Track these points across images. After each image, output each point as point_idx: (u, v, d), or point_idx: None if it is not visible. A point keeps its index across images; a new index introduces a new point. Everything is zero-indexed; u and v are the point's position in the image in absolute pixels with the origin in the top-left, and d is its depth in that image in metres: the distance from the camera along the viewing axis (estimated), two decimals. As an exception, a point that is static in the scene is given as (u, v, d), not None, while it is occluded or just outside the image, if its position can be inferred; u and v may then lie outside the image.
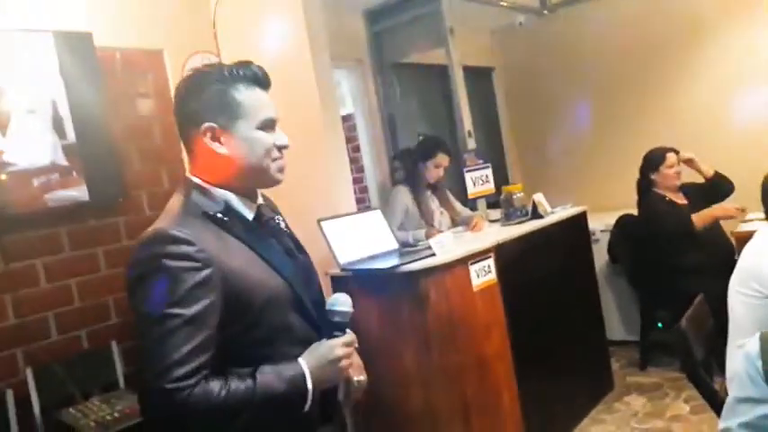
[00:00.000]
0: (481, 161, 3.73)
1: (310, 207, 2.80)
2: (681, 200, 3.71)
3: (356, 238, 2.76)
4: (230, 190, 1.30)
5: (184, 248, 1.16)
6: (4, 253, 2.50)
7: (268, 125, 1.30)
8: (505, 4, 4.70)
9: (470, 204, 3.84)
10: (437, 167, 3.53)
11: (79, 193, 2.65)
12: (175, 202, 1.29)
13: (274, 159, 1.30)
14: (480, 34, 5.17)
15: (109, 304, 2.79)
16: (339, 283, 2.73)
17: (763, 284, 1.92)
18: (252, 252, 1.26)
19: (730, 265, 2.11)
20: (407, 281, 2.56)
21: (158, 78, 3.08)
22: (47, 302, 2.61)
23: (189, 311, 1.13)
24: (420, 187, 3.54)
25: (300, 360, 1.24)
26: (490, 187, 3.69)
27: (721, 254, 3.42)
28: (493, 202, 3.84)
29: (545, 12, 5.00)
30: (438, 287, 2.56)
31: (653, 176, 3.73)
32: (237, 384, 1.16)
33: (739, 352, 1.24)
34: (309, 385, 1.22)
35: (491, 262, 2.79)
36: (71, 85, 2.64)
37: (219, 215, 1.26)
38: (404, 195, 3.50)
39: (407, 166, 3.68)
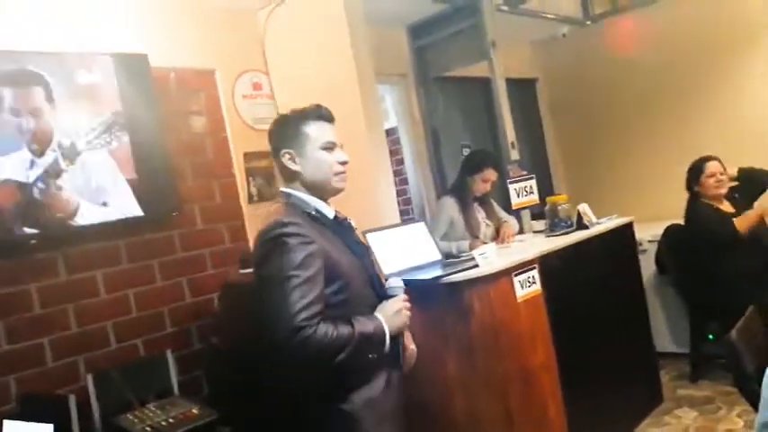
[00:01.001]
0: (525, 172, 3.74)
1: (356, 219, 2.86)
2: (728, 208, 3.63)
3: (400, 249, 2.81)
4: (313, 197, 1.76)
5: (296, 229, 1.60)
6: (67, 264, 2.65)
7: (328, 147, 1.76)
8: (550, 15, 4.71)
9: (518, 216, 3.84)
10: (485, 182, 3.54)
11: (136, 207, 2.78)
12: (278, 206, 1.74)
13: (336, 173, 1.76)
14: (522, 46, 5.19)
15: (164, 314, 2.91)
16: (384, 294, 2.78)
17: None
18: (337, 239, 1.72)
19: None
20: (451, 291, 2.58)
21: (210, 97, 3.21)
22: (106, 312, 2.74)
23: (306, 273, 1.56)
24: (467, 199, 3.56)
25: (376, 314, 1.70)
26: (534, 198, 3.69)
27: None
28: (538, 213, 3.83)
29: (588, 22, 4.99)
30: (482, 298, 2.58)
31: (696, 188, 3.66)
32: (342, 328, 1.57)
33: None
34: (386, 330, 1.67)
35: (535, 273, 2.79)
36: (128, 103, 2.78)
37: (314, 212, 1.72)
38: (450, 206, 3.52)
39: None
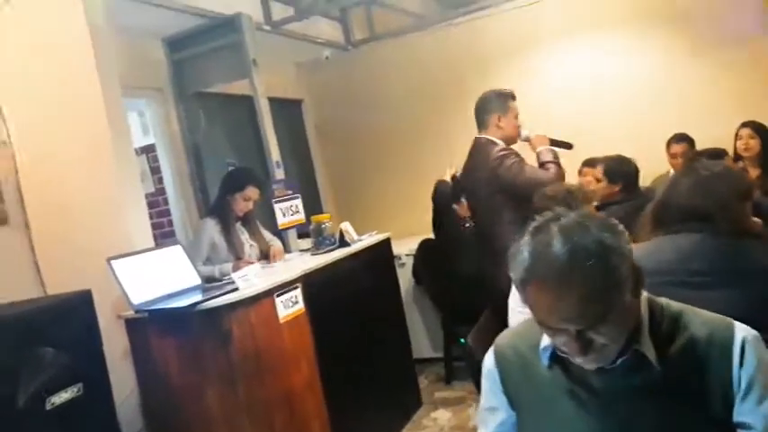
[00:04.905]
0: (290, 192, 3.76)
1: (102, 245, 2.62)
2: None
3: (153, 275, 2.62)
4: None
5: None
6: None
7: (518, 116, 3.04)
8: (312, 39, 4.83)
9: (283, 235, 3.85)
10: (246, 200, 3.45)
11: None
12: (491, 142, 2.98)
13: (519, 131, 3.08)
14: (287, 66, 5.23)
15: None
16: (134, 327, 2.57)
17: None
18: None
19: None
20: (209, 318, 2.45)
21: None
22: None
23: None
24: (228, 219, 3.45)
25: None
26: (300, 217, 3.73)
27: (503, 271, 3.75)
28: (305, 232, 3.87)
29: (349, 47, 5.21)
30: (242, 322, 2.50)
31: (455, 206, 4.01)
32: None
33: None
34: None
35: (298, 292, 2.80)
36: None
37: None
38: (210, 228, 3.38)
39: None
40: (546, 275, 1.06)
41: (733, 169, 2.07)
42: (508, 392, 1.27)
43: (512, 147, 3.00)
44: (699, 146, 3.84)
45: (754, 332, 1.15)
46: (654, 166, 4.00)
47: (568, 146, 3.13)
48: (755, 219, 1.81)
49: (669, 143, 4.04)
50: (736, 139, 3.84)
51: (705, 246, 1.63)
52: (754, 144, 3.81)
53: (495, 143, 2.96)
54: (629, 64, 4.39)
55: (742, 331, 1.14)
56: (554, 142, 3.07)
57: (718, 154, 3.35)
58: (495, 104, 3.01)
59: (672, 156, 4.01)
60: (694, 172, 1.76)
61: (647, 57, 4.36)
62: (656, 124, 4.19)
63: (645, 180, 3.77)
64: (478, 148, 3.03)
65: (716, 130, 3.89)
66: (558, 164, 2.95)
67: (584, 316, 1.05)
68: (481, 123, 3.06)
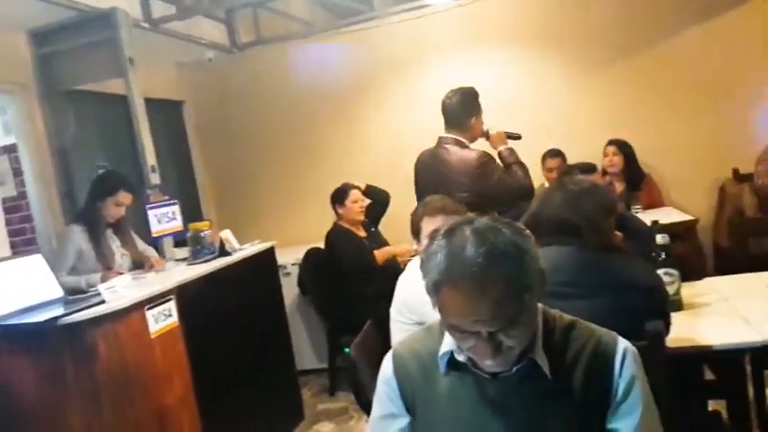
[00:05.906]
0: (167, 197, 3.58)
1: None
2: (362, 233, 4.04)
3: (8, 287, 2.39)
4: None
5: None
6: None
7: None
8: (195, 39, 4.65)
9: (158, 243, 3.66)
10: (118, 206, 3.24)
11: None
12: (466, 145, 3.01)
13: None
14: (169, 66, 5.00)
15: None
16: (-17, 344, 2.33)
17: (414, 312, 2.16)
18: None
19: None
20: (71, 334, 2.25)
21: None
22: None
23: None
24: (98, 226, 3.22)
25: None
26: (177, 224, 3.55)
27: (393, 283, 3.78)
28: (183, 241, 3.69)
29: (234, 50, 5.07)
30: (108, 338, 2.32)
31: (340, 210, 3.99)
32: None
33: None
34: None
35: (172, 305, 2.66)
36: None
37: None
38: (77, 235, 3.14)
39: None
40: (462, 277, 1.06)
41: (600, 185, 2.19)
42: (406, 398, 1.26)
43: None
44: (571, 161, 4.06)
45: (634, 348, 1.21)
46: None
47: (518, 137, 3.18)
48: (617, 232, 1.93)
49: (544, 158, 4.26)
50: (603, 156, 4.12)
51: (572, 258, 1.72)
52: (618, 161, 4.12)
53: (466, 145, 2.99)
54: (509, 81, 4.56)
55: (624, 343, 1.20)
56: (508, 135, 3.13)
57: (589, 169, 3.57)
58: (472, 106, 3.03)
59: (547, 170, 4.23)
60: (564, 187, 1.84)
61: (526, 74, 4.56)
62: (531, 139, 4.36)
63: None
64: (450, 149, 2.99)
65: (588, 146, 4.15)
66: (521, 163, 3.02)
67: (498, 317, 1.06)
68: (457, 124, 3.01)
